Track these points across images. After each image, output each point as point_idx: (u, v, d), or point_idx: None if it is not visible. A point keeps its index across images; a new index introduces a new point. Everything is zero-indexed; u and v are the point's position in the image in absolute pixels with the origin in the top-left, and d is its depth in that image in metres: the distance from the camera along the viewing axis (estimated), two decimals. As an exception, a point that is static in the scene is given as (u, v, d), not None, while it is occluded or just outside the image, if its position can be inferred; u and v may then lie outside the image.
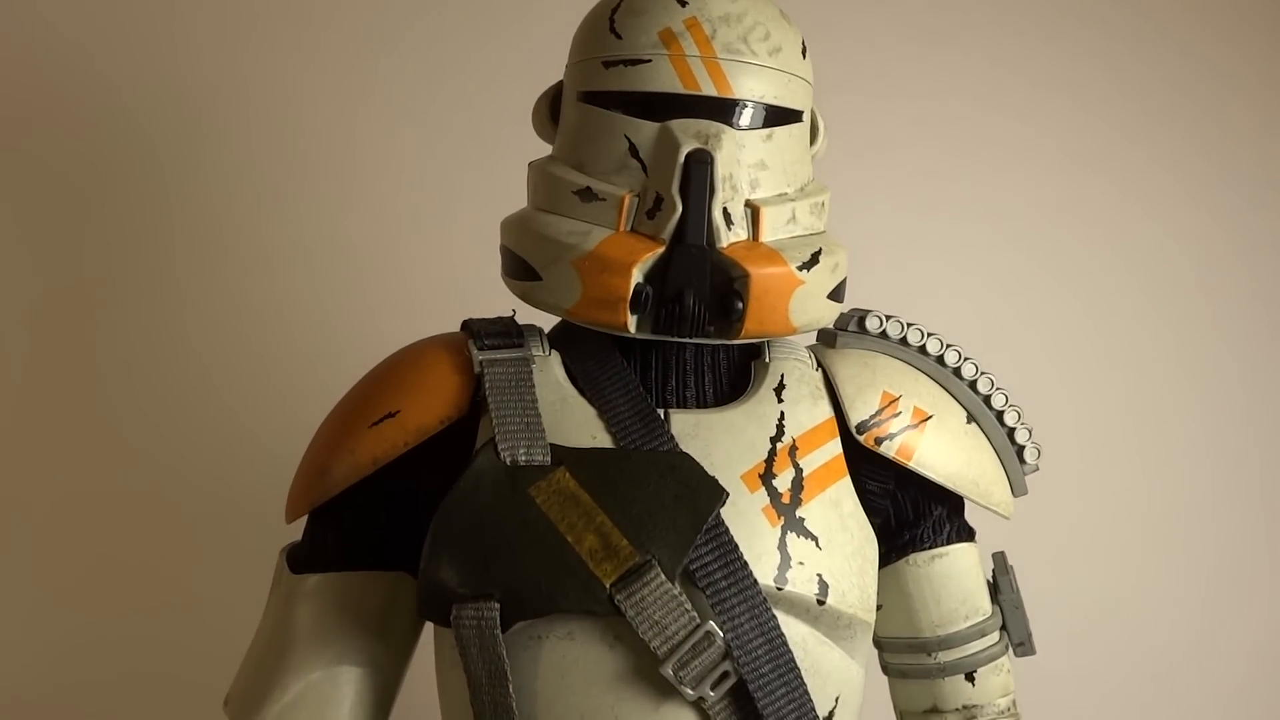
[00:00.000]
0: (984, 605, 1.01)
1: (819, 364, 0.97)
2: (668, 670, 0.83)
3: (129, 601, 1.49)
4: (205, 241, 1.51)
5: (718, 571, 0.84)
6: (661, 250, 0.86)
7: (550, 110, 0.97)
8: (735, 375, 0.96)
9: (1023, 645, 1.02)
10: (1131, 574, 1.67)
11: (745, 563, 0.85)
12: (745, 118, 0.89)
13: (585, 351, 0.94)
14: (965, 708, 1.00)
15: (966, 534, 1.01)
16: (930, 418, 0.96)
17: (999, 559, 1.04)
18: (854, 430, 0.93)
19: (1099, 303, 1.68)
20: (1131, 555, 1.67)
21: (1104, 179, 1.68)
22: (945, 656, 0.99)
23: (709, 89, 0.88)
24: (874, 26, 1.64)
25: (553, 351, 0.94)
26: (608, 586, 0.82)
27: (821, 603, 0.87)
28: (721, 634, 0.83)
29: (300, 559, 0.97)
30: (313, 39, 1.53)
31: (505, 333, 0.94)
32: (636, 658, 0.84)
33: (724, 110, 0.88)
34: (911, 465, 0.94)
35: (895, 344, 1.00)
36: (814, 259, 0.90)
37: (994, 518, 1.01)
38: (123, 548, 1.49)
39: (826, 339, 1.01)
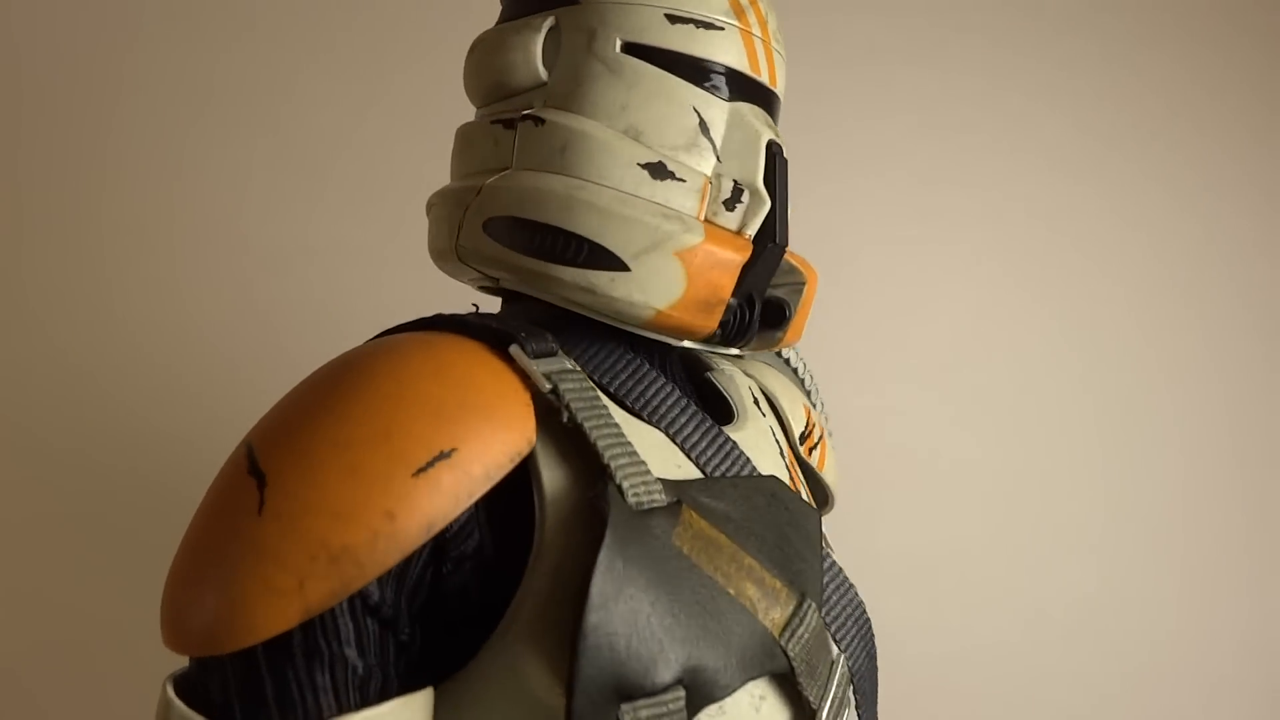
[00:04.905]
0: None
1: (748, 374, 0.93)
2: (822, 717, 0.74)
3: (137, 600, 1.40)
4: (210, 243, 1.47)
5: (833, 595, 0.78)
6: (753, 250, 0.76)
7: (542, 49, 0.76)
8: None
9: None
10: (1119, 575, 1.66)
11: (851, 583, 0.80)
12: (778, 114, 0.83)
13: (600, 359, 0.76)
14: None
15: None
16: (826, 432, 0.99)
17: None
18: (797, 441, 0.92)
19: (1091, 309, 1.67)
20: (1121, 556, 1.66)
21: (1095, 188, 1.67)
22: None
23: (765, 77, 0.80)
24: (872, 36, 1.59)
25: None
26: (778, 637, 0.71)
27: None
28: (845, 662, 0.77)
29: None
30: (319, 43, 1.49)
31: (539, 336, 0.71)
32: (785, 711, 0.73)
33: (772, 103, 0.81)
34: (825, 477, 0.95)
35: (773, 355, 1.00)
36: None
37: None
38: (131, 546, 1.43)
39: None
